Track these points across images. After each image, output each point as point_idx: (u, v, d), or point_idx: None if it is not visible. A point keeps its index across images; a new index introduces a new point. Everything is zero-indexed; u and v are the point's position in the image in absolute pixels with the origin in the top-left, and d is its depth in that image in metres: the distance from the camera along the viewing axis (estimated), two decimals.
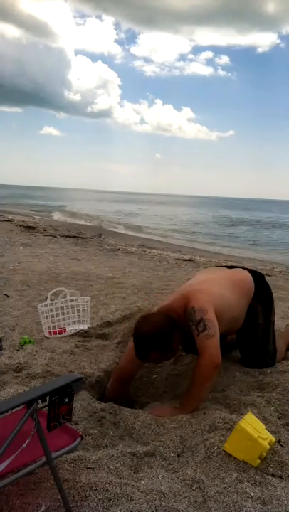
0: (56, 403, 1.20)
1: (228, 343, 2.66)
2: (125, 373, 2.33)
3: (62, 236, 11.25)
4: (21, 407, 1.19)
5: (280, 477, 1.55)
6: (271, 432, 1.72)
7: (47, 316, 3.16)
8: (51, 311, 3.17)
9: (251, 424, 1.63)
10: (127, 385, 2.38)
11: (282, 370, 2.44)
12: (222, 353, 2.09)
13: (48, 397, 1.18)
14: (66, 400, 1.21)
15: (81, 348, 2.78)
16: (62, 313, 3.23)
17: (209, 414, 1.90)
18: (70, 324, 3.24)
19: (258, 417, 1.78)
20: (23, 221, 15.40)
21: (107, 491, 1.42)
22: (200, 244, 14.96)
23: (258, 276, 2.56)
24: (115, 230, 17.38)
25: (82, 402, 2.02)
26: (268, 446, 1.61)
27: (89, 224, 19.35)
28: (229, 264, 8.44)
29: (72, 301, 3.29)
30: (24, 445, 1.17)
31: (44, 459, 1.24)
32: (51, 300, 3.22)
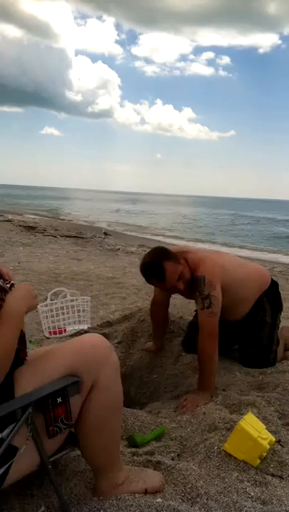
0: (49, 405, 1.17)
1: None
2: (155, 298, 2.66)
3: (62, 236, 11.26)
4: None
5: (280, 477, 1.55)
6: (271, 432, 1.72)
7: (47, 316, 3.16)
8: (51, 311, 3.17)
9: (251, 424, 1.62)
10: (161, 307, 2.67)
11: (282, 370, 2.44)
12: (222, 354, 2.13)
13: (42, 402, 1.16)
14: (60, 400, 1.18)
15: None
16: (63, 313, 3.23)
17: (209, 414, 1.90)
18: (70, 324, 3.24)
19: (258, 417, 1.78)
20: (23, 221, 15.40)
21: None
22: (200, 244, 14.97)
23: (273, 282, 2.60)
24: (115, 230, 17.38)
25: None
26: (268, 446, 1.60)
27: (89, 224, 19.36)
28: None
29: (72, 301, 3.29)
30: (21, 451, 1.15)
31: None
32: (51, 300, 3.22)
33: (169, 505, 1.33)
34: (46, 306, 3.18)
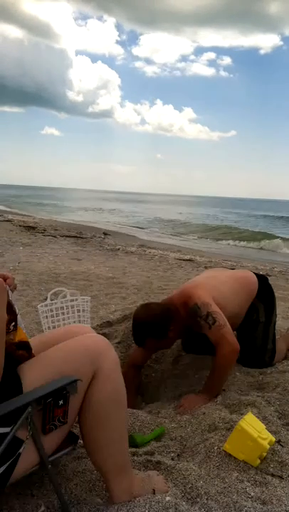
0: (51, 405, 1.18)
1: None
2: (135, 360, 2.49)
3: (62, 236, 11.25)
4: None
5: (280, 477, 1.55)
6: (271, 432, 1.72)
7: (47, 316, 3.16)
8: (51, 311, 3.17)
9: (251, 424, 1.62)
10: (138, 370, 2.51)
11: (282, 370, 2.44)
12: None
13: (42, 400, 1.17)
14: (61, 403, 1.20)
15: None
16: (62, 313, 3.22)
17: (209, 414, 1.90)
18: (70, 324, 3.24)
19: (258, 417, 1.78)
20: (23, 221, 15.40)
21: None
22: (201, 243, 14.98)
23: (262, 279, 2.58)
24: (116, 230, 17.38)
25: None
26: (268, 446, 1.60)
27: (89, 224, 19.36)
28: (229, 264, 8.45)
29: (72, 301, 3.29)
30: (20, 450, 1.16)
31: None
32: (51, 300, 3.22)
33: (177, 503, 1.33)
34: (46, 306, 3.17)
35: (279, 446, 1.67)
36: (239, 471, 1.56)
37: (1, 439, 1.12)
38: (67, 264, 6.57)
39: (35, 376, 1.22)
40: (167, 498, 1.35)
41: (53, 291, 3.32)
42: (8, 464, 1.14)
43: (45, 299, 3.29)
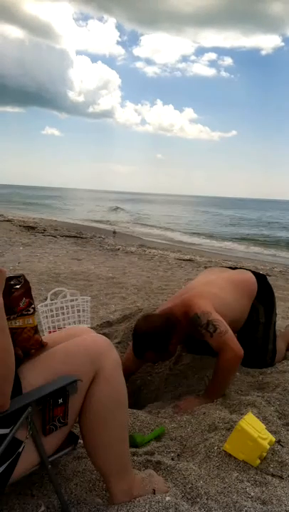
0: (50, 405, 1.18)
1: None
2: (128, 369, 2.41)
3: (62, 236, 11.26)
4: None
5: (280, 477, 1.55)
6: (271, 432, 1.72)
7: (47, 316, 3.16)
8: (51, 310, 3.17)
9: (251, 424, 1.62)
10: (128, 377, 2.44)
11: (282, 370, 2.44)
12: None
13: (42, 401, 1.17)
14: (61, 401, 1.19)
15: None
16: (62, 313, 3.23)
17: (209, 414, 1.90)
18: (70, 324, 3.24)
19: (258, 417, 1.78)
20: (23, 221, 15.40)
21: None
22: (200, 244, 14.98)
23: (260, 278, 2.57)
24: (115, 230, 17.38)
25: None
26: (268, 446, 1.60)
27: (89, 224, 19.36)
28: (229, 264, 8.44)
29: (72, 301, 3.29)
30: (20, 449, 1.16)
31: None
32: (51, 300, 3.22)
33: (177, 503, 1.33)
34: (46, 306, 3.18)
35: (279, 446, 1.67)
36: (239, 471, 1.56)
37: (1, 439, 1.12)
38: (67, 264, 6.57)
39: (35, 377, 1.22)
40: (167, 498, 1.35)
41: (53, 291, 3.32)
42: (7, 463, 1.14)
43: (46, 299, 3.29)
